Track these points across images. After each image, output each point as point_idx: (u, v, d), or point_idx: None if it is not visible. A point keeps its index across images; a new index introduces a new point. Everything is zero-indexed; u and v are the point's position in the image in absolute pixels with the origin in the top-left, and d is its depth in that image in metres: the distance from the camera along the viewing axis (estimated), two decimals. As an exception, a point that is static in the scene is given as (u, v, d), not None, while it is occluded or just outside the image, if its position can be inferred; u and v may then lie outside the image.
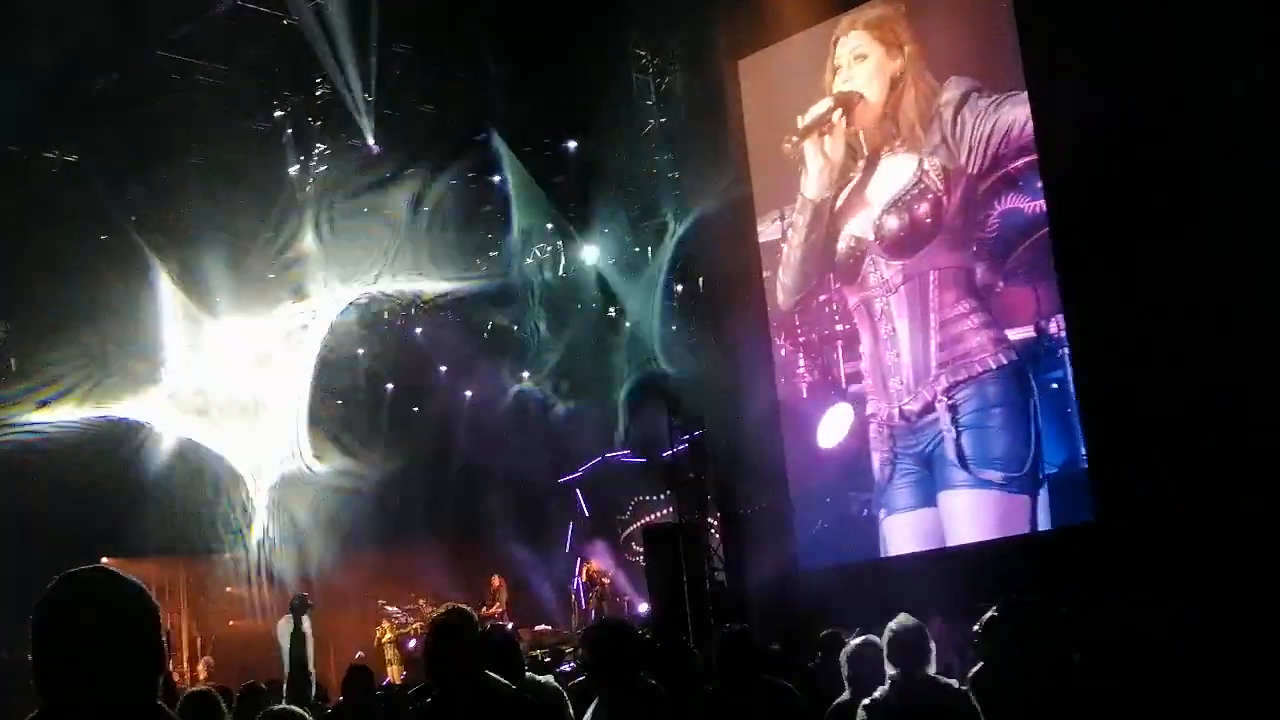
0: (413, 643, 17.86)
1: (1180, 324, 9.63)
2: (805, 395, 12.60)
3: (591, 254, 17.05)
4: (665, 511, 17.99)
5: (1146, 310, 9.85)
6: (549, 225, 17.41)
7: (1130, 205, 9.91)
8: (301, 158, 15.39)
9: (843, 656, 5.49)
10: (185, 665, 17.99)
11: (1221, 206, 9.63)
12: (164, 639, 2.27)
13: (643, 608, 16.66)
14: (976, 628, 5.67)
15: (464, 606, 4.56)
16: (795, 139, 12.50)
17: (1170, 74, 9.91)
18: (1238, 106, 9.62)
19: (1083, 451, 10.55)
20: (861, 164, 12.13)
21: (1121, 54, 9.87)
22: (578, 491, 20.08)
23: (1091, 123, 9.97)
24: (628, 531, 19.44)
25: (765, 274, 12.97)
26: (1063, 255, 10.69)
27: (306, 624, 12.16)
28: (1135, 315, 9.96)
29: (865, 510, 11.89)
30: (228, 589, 19.75)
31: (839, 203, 12.26)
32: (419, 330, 19.56)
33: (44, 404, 15.87)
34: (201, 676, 17.16)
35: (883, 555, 11.76)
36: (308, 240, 16.46)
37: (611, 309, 17.83)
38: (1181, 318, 9.63)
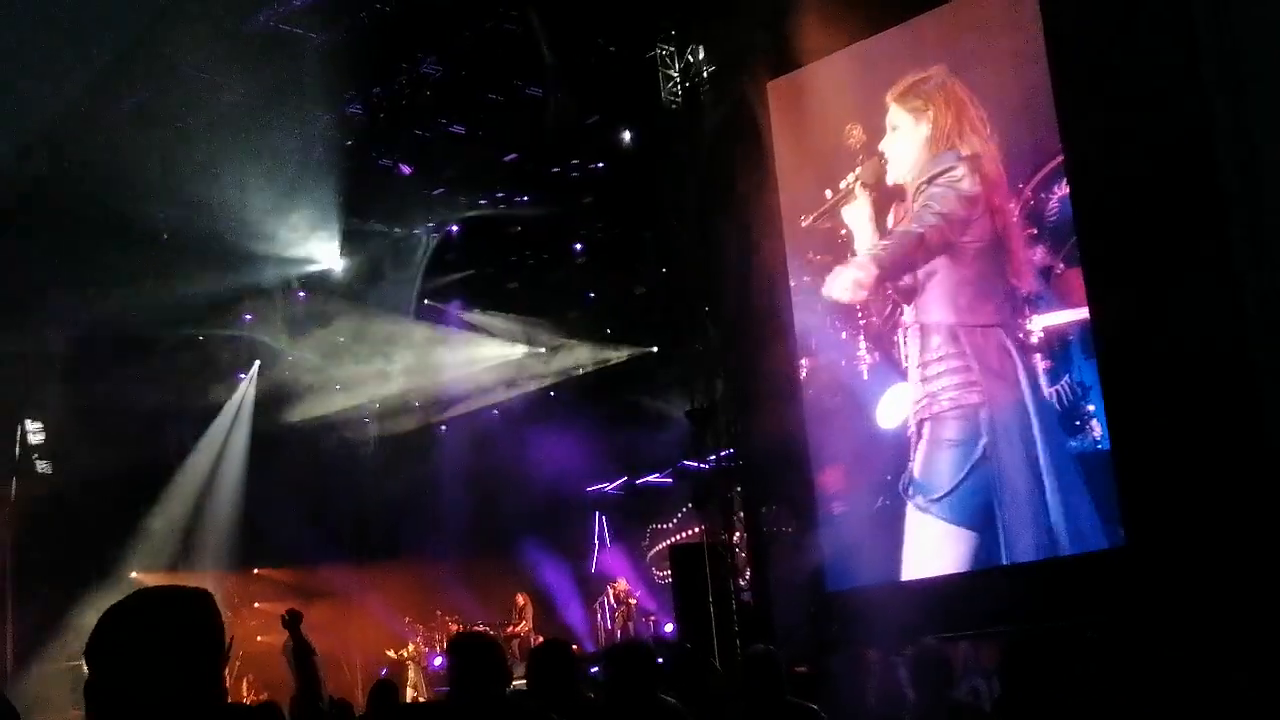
0: (438, 659, 17.88)
1: (1210, 334, 9.58)
2: (866, 377, 12.59)
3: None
4: (692, 532, 17.96)
5: (1176, 322, 9.80)
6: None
7: (1158, 211, 9.88)
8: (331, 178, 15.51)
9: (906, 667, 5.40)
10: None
11: (1245, 209, 9.59)
12: (203, 654, 2.27)
13: (669, 628, 16.64)
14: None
15: (483, 628, 4.58)
16: (822, 212, 12.87)
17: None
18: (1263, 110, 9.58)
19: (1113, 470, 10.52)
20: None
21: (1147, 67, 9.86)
22: (604, 511, 20.08)
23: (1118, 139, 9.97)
24: (654, 551, 19.42)
25: (793, 290, 13.01)
26: (1091, 265, 10.69)
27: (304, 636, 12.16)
28: (1166, 325, 9.91)
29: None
30: (255, 605, 19.83)
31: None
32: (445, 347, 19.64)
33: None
34: (245, 696, 17.25)
35: (909, 577, 11.74)
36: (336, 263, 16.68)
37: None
38: (1211, 327, 9.59)
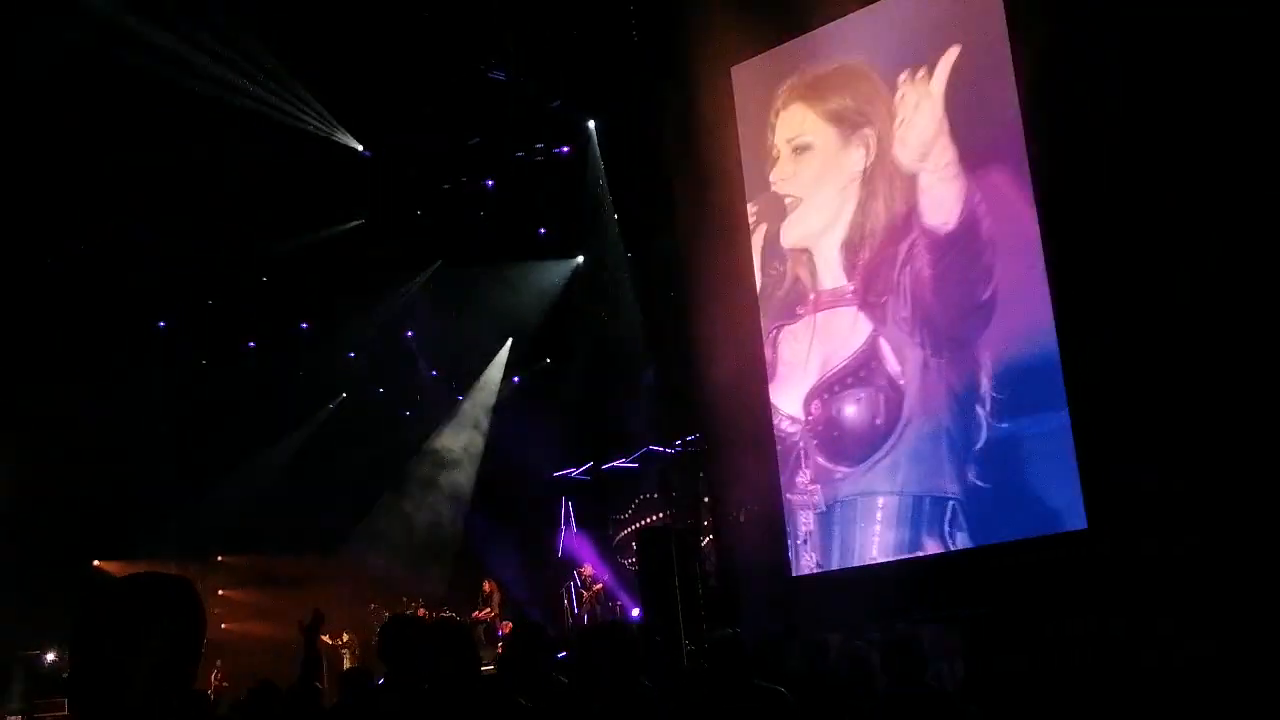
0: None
1: (1177, 327, 9.65)
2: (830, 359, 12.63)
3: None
4: (658, 516, 18.00)
5: (1140, 313, 9.86)
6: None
7: (1125, 210, 9.93)
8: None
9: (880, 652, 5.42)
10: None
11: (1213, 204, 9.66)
12: (172, 643, 2.26)
13: (635, 612, 16.67)
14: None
15: (449, 614, 4.58)
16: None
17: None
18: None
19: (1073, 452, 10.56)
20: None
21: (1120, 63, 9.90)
22: (570, 496, 20.08)
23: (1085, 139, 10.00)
24: (620, 536, 19.44)
25: (757, 280, 13.00)
26: (1054, 259, 10.71)
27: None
28: (1129, 318, 9.97)
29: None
30: (220, 592, 19.74)
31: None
32: (410, 334, 19.56)
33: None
34: (213, 682, 17.19)
35: (873, 561, 11.78)
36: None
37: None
38: (1178, 320, 9.65)
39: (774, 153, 12.56)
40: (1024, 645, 8.36)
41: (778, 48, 12.77)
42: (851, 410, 11.80)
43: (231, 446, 18.20)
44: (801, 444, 12.18)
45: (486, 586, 18.25)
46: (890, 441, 11.48)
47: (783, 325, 12.50)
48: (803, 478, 12.10)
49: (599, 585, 18.19)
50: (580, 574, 18.49)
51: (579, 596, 18.24)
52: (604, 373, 18.30)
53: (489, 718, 4.39)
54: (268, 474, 18.55)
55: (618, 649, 5.10)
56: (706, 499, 14.18)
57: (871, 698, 5.08)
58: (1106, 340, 10.12)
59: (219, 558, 19.79)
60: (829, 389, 11.99)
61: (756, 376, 12.84)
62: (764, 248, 12.70)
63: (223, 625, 19.53)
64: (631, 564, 17.36)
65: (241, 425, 18.05)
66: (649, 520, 18.42)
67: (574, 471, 19.72)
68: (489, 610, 17.85)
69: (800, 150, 12.30)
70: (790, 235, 12.44)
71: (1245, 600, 7.98)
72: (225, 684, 17.05)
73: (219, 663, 18.12)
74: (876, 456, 11.58)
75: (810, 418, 12.10)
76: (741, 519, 12.92)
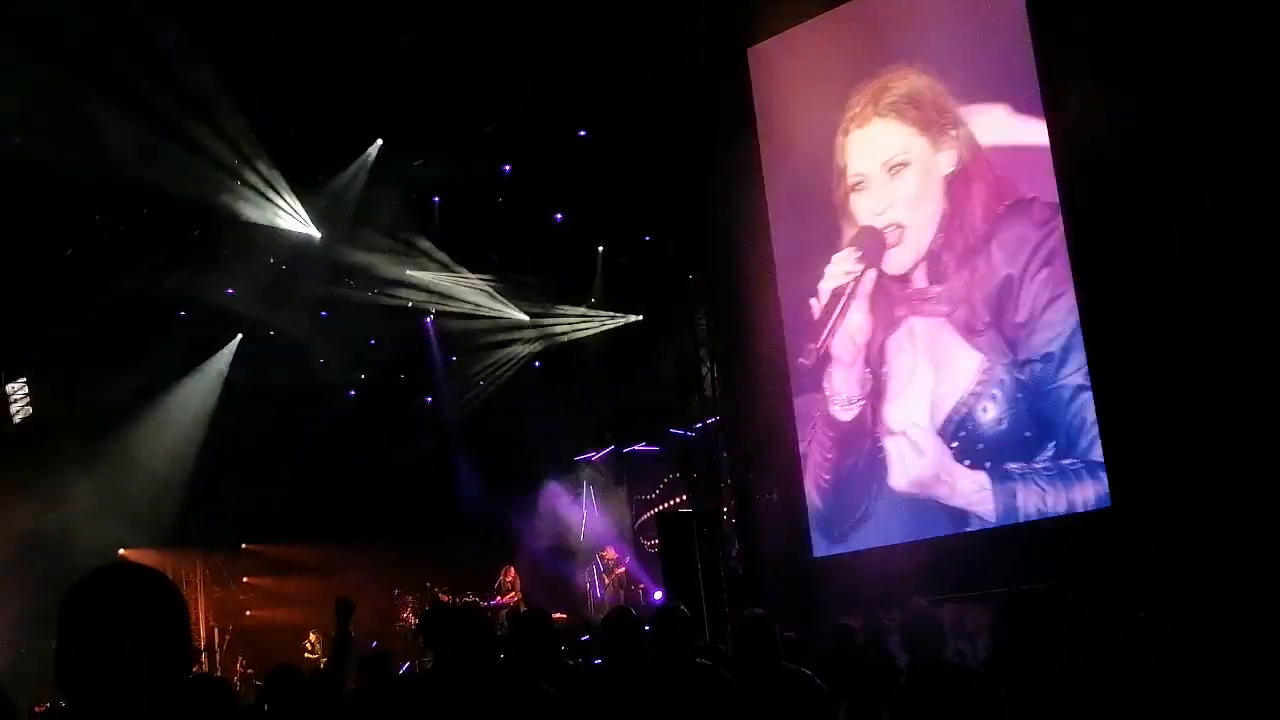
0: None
1: (1198, 311, 9.61)
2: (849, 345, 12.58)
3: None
4: (680, 499, 17.98)
5: (1163, 297, 9.82)
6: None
7: (1147, 191, 9.87)
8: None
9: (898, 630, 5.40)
10: (203, 658, 18.04)
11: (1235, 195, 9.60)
12: (182, 635, 2.26)
13: (658, 595, 16.69)
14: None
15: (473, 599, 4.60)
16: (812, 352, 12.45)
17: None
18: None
19: (1098, 435, 10.52)
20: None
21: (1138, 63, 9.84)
22: (592, 480, 20.08)
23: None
24: (643, 519, 19.44)
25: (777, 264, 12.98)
26: (1077, 243, 10.65)
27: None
28: (1152, 302, 9.93)
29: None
30: (245, 579, 19.84)
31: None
32: (429, 319, 19.52)
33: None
34: (237, 672, 17.30)
35: (893, 542, 11.77)
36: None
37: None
38: (1199, 305, 9.61)
39: (855, 177, 12.18)
40: (1048, 624, 8.34)
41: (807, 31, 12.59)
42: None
43: (255, 434, 18.24)
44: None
45: (509, 573, 18.25)
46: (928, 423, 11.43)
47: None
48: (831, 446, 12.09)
49: (621, 569, 18.21)
50: (603, 558, 18.51)
51: (601, 580, 18.27)
52: (624, 356, 18.29)
53: (510, 703, 4.41)
54: (292, 461, 18.58)
55: (640, 633, 5.13)
56: (728, 481, 14.17)
57: (892, 675, 5.07)
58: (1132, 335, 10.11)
59: (244, 545, 19.86)
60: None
61: (777, 358, 12.83)
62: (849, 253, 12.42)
63: (248, 613, 19.62)
64: (653, 547, 17.38)
65: (264, 413, 18.12)
66: (670, 503, 18.43)
67: (595, 455, 19.72)
68: (512, 595, 17.87)
69: (896, 170, 11.86)
70: (894, 262, 12.03)
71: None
72: (249, 671, 17.15)
73: (243, 652, 18.23)
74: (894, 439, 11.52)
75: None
76: (775, 496, 12.93)
